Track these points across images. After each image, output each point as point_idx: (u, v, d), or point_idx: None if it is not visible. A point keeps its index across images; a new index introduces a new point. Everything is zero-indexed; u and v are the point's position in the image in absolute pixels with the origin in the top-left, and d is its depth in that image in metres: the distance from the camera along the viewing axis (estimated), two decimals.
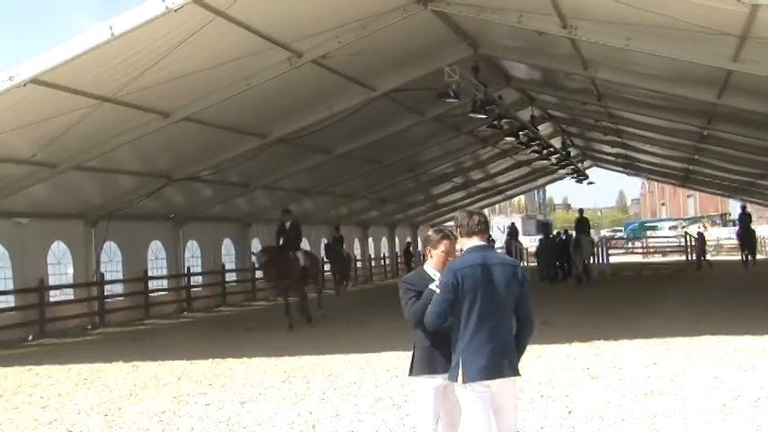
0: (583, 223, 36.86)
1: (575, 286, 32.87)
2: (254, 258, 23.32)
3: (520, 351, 6.47)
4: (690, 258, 43.63)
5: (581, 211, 39.40)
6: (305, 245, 34.14)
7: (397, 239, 47.70)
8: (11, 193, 19.53)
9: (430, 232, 6.94)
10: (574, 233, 36.66)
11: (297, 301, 22.32)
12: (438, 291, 6.32)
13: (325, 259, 34.72)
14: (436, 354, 6.53)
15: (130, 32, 13.54)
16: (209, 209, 28.69)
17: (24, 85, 14.30)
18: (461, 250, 6.57)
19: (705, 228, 60.06)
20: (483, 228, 6.50)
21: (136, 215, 24.80)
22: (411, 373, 6.72)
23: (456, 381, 6.25)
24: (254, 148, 23.52)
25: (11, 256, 21.00)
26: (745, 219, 41.69)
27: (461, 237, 6.53)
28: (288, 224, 22.23)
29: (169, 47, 14.53)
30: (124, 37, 13.61)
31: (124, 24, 13.44)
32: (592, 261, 37.38)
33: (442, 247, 6.70)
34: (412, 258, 44.06)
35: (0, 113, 15.44)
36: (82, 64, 14.27)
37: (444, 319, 6.27)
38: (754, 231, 42.11)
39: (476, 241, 6.44)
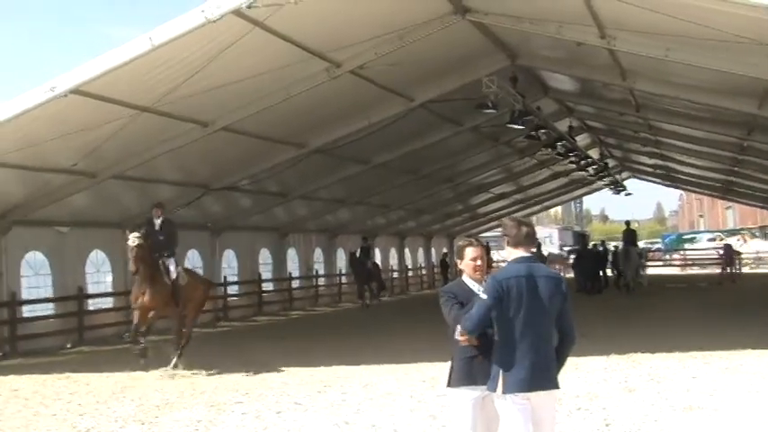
0: (631, 234, 37.04)
1: (625, 295, 32.94)
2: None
3: (560, 364, 6.42)
4: (726, 271, 43.31)
5: (628, 222, 39.36)
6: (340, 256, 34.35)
7: (433, 250, 47.63)
8: (51, 202, 19.73)
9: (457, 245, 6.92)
10: (621, 244, 36.99)
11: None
12: (484, 298, 6.29)
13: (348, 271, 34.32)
14: (476, 365, 6.48)
15: (170, 43, 13.66)
16: (247, 218, 28.79)
17: (65, 95, 14.45)
18: (498, 262, 6.55)
19: (744, 240, 59.35)
20: (530, 239, 6.48)
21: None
22: (449, 384, 6.67)
23: (495, 391, 6.21)
24: (292, 158, 23.59)
25: (51, 264, 21.20)
26: None
27: (508, 246, 6.51)
28: (158, 222, 16.63)
29: (208, 57, 14.63)
30: (164, 47, 13.74)
31: (164, 35, 13.55)
32: (640, 272, 37.37)
33: (469, 254, 6.66)
34: (448, 269, 43.94)
35: (42, 124, 15.61)
36: (122, 74, 14.40)
37: (482, 327, 6.24)
38: None
39: (521, 252, 6.41)
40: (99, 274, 23.17)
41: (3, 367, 17.42)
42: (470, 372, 6.48)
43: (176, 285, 16.29)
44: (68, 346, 20.84)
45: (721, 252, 44.92)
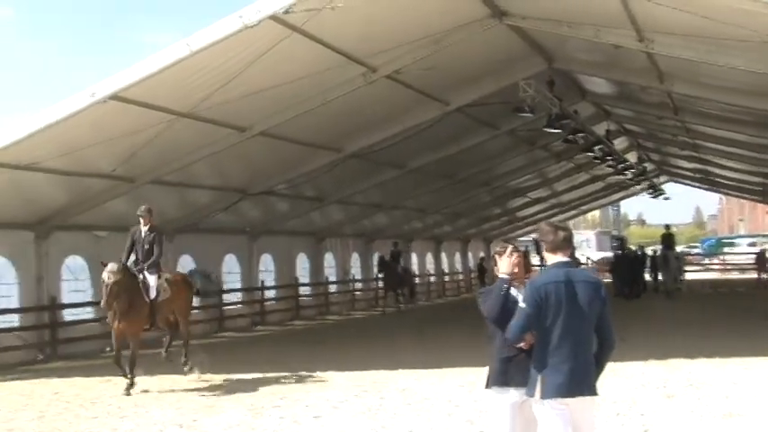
0: (670, 239, 36.91)
1: (663, 300, 32.79)
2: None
3: (599, 369, 6.38)
4: (761, 277, 42.93)
5: (668, 227, 39.15)
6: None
7: (470, 254, 47.53)
8: (91, 207, 19.92)
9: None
10: (660, 249, 36.85)
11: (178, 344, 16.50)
12: (523, 305, 6.26)
13: (379, 276, 33.85)
14: (512, 366, 6.48)
15: (208, 49, 13.75)
16: (284, 223, 28.89)
17: (105, 101, 14.61)
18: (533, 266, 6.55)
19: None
20: (567, 243, 6.46)
21: (211, 229, 25.10)
22: (487, 385, 6.68)
23: (534, 396, 6.19)
24: (329, 163, 23.65)
25: (90, 269, 21.36)
26: None
27: (546, 251, 6.49)
28: (144, 230, 15.15)
29: (246, 63, 14.71)
30: (201, 53, 13.83)
31: (201, 41, 13.65)
32: (679, 277, 37.18)
33: (505, 253, 6.64)
34: (485, 273, 43.81)
35: (82, 129, 15.77)
36: (160, 80, 14.51)
37: (527, 333, 6.21)
38: None
39: (560, 257, 6.39)
40: None
41: (44, 370, 17.62)
42: (506, 372, 6.48)
43: (155, 305, 14.92)
44: (108, 349, 20.96)
45: (755, 258, 44.74)
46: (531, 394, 6.23)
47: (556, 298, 6.16)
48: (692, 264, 54.49)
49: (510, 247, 6.67)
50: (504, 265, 6.56)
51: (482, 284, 44.69)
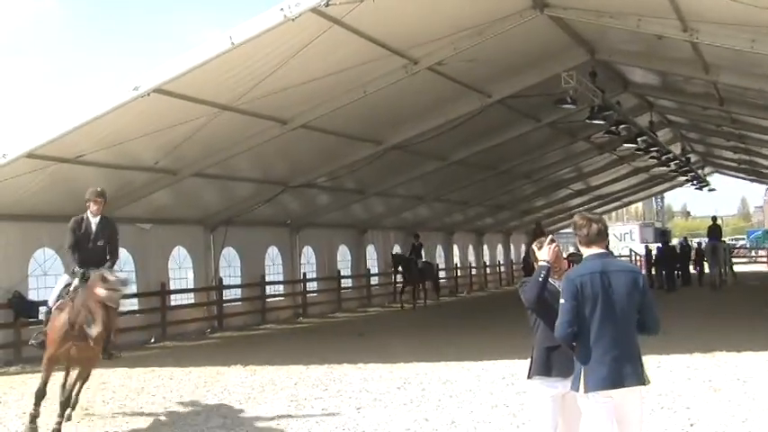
0: (716, 230, 36.59)
1: (709, 292, 32.53)
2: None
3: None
4: None
5: (714, 218, 38.78)
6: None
7: (512, 246, 47.36)
8: (135, 200, 20.09)
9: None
10: (707, 240, 36.62)
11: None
12: (563, 300, 6.22)
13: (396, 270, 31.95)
14: (554, 355, 6.49)
15: (249, 42, 13.81)
16: (325, 215, 28.96)
17: (148, 94, 14.71)
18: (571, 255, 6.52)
19: None
20: (602, 236, 6.39)
21: (253, 221, 25.23)
22: (529, 375, 6.68)
23: (578, 390, 6.14)
24: (370, 155, 23.65)
25: (134, 261, 21.59)
26: None
27: (580, 244, 6.43)
28: (95, 222, 11.48)
29: (287, 55, 14.75)
30: (243, 46, 13.88)
31: (244, 34, 13.70)
32: (726, 268, 36.86)
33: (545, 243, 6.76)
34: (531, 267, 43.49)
35: (126, 122, 15.90)
36: (203, 73, 14.60)
37: (573, 328, 6.15)
38: None
39: (595, 249, 6.34)
40: (181, 270, 23.57)
41: None
42: (547, 362, 6.51)
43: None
44: (152, 340, 21.23)
45: None
46: (575, 388, 6.19)
47: (592, 289, 6.11)
48: (738, 256, 53.91)
49: (549, 237, 6.67)
50: (544, 252, 6.56)
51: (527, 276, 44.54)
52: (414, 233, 33.03)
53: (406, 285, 31.52)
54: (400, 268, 31.38)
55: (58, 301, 11.06)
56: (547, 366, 6.54)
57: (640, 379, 6.19)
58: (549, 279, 6.53)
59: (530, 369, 6.70)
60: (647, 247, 42.69)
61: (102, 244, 11.44)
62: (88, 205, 11.53)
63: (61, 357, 10.84)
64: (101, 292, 9.98)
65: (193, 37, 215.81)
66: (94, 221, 11.50)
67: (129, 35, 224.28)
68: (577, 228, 6.42)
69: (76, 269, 11.00)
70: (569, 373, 6.30)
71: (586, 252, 6.36)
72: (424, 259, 32.46)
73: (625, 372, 6.10)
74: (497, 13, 16.46)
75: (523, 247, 46.78)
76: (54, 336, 10.66)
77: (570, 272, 6.35)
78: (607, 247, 6.50)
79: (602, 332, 6.09)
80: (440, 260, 38.61)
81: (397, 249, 33.98)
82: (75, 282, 10.80)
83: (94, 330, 9.91)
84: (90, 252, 11.31)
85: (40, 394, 10.61)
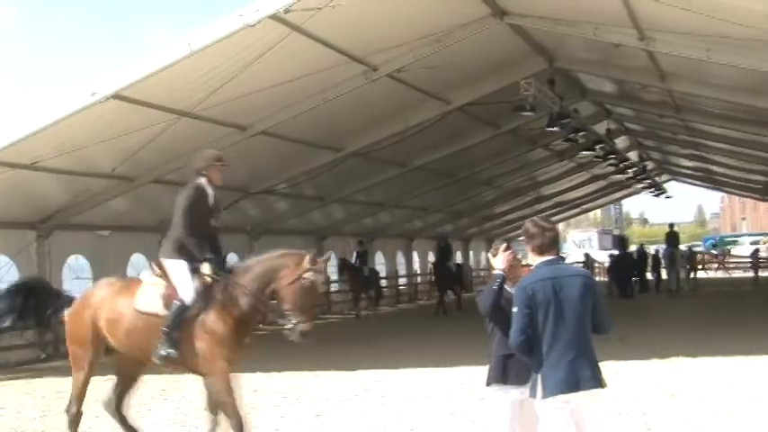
0: (675, 237, 37.01)
1: (666, 298, 32.88)
2: None
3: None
4: (756, 274, 43.00)
5: (672, 225, 39.17)
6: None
7: (471, 253, 47.52)
8: (92, 206, 19.92)
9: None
10: (664, 247, 37.12)
11: None
12: (515, 309, 6.24)
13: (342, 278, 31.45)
14: (511, 363, 6.53)
15: (208, 48, 13.76)
16: (285, 222, 28.89)
17: (106, 100, 14.60)
18: (527, 266, 6.53)
19: None
20: (555, 243, 6.39)
21: None
22: (487, 382, 6.71)
23: (535, 397, 6.15)
24: (330, 162, 23.65)
25: (92, 268, 21.39)
26: None
27: (532, 252, 6.41)
28: (212, 194, 9.39)
29: (246, 62, 14.72)
30: (202, 52, 13.84)
31: (202, 40, 13.66)
32: (683, 275, 37.22)
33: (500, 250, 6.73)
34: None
35: (83, 128, 15.78)
36: (161, 79, 14.53)
37: (527, 334, 6.14)
38: None
39: (546, 256, 6.32)
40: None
41: (46, 369, 17.64)
42: (504, 370, 6.54)
43: None
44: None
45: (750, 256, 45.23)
46: (533, 395, 6.21)
47: (543, 296, 6.08)
48: (702, 262, 54.29)
49: (504, 245, 6.68)
50: (499, 260, 6.57)
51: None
52: (358, 240, 32.68)
53: (352, 293, 31.25)
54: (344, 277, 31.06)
55: (198, 295, 8.84)
56: (504, 374, 6.57)
57: (597, 382, 6.17)
58: (507, 287, 6.55)
59: (488, 376, 6.73)
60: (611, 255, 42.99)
61: (216, 222, 9.63)
62: (207, 172, 9.25)
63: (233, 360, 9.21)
64: (312, 276, 8.56)
65: (155, 39, 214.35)
66: (212, 193, 9.32)
67: (91, 39, 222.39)
68: (529, 236, 6.36)
69: (203, 254, 8.97)
70: (526, 380, 6.33)
71: (538, 260, 6.35)
72: (369, 266, 32.20)
73: (581, 375, 6.08)
74: (457, 21, 16.54)
75: (472, 254, 46.98)
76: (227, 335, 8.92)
77: (522, 280, 6.34)
78: (558, 254, 6.52)
79: (556, 337, 6.09)
80: (400, 267, 38.67)
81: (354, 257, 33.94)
82: (206, 269, 8.93)
83: (306, 326, 8.73)
84: (212, 231, 9.34)
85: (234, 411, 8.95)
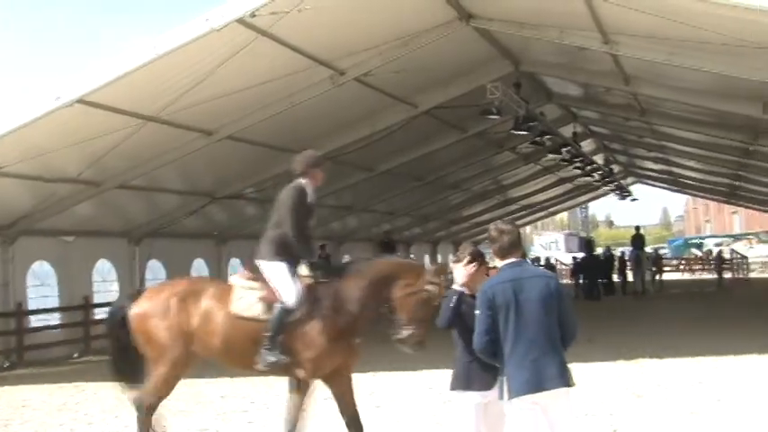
0: (640, 240, 37.35)
1: (632, 300, 33.11)
2: None
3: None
4: (720, 276, 43.51)
5: (638, 227, 39.53)
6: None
7: (439, 256, 47.60)
8: (58, 212, 19.76)
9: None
10: (630, 250, 37.42)
11: None
12: (477, 312, 6.28)
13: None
14: (474, 369, 6.55)
15: (174, 52, 13.69)
16: (253, 226, 28.77)
17: (71, 105, 14.50)
18: (494, 268, 6.57)
19: (752, 245, 59.34)
20: (516, 245, 6.43)
21: (179, 233, 24.98)
22: (451, 387, 6.74)
23: (502, 398, 6.17)
24: None
25: (57, 274, 21.23)
26: None
27: (495, 256, 6.46)
28: (311, 195, 9.73)
29: (213, 66, 14.66)
30: (168, 56, 13.76)
31: (168, 44, 13.59)
32: (649, 277, 37.54)
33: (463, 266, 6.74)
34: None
35: (48, 133, 15.65)
36: (126, 84, 14.42)
37: (491, 336, 6.17)
38: None
39: (509, 259, 6.38)
40: (105, 284, 23.21)
41: (10, 377, 17.46)
42: (468, 376, 6.55)
43: None
44: (75, 355, 20.86)
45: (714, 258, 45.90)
46: (500, 396, 6.23)
47: (504, 298, 6.14)
48: (669, 265, 54.85)
49: (467, 257, 6.65)
50: (459, 274, 6.54)
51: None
52: (320, 244, 32.21)
53: None
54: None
55: (301, 297, 8.74)
56: (467, 380, 6.59)
57: (564, 381, 6.17)
58: (468, 297, 6.56)
59: (452, 381, 6.75)
60: (574, 258, 43.32)
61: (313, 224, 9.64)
62: (309, 173, 9.49)
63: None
64: (433, 289, 8.41)
65: (122, 42, 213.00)
66: (312, 194, 9.50)
67: (55, 41, 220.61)
68: (492, 240, 6.43)
69: (309, 256, 9.23)
70: (490, 385, 6.37)
71: (501, 263, 6.38)
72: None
73: (546, 375, 6.09)
74: (424, 25, 16.57)
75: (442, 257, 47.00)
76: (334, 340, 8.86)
77: (484, 283, 6.39)
78: (523, 256, 6.57)
79: (519, 338, 6.11)
80: None
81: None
82: (303, 271, 8.93)
83: (421, 337, 8.73)
84: (310, 232, 9.45)
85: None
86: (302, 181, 9.28)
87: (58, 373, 17.37)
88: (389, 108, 21.63)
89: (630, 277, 38.32)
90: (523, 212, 50.20)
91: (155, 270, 24.88)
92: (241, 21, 13.33)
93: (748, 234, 73.67)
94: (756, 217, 75.40)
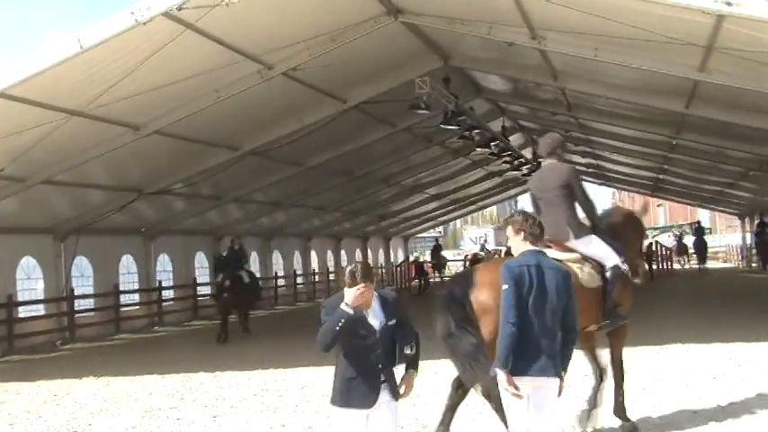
0: None
1: None
2: None
3: (565, 358, 6.71)
4: (659, 267, 44.48)
5: None
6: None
7: (369, 251, 47.70)
8: None
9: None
10: None
11: None
12: (506, 287, 6.60)
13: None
14: (353, 387, 6.34)
15: (99, 45, 13.48)
16: (181, 222, 28.55)
17: None
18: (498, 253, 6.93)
19: (678, 237, 60.48)
20: (538, 232, 6.84)
21: (107, 229, 24.65)
22: (331, 401, 6.52)
23: (496, 372, 6.55)
24: (226, 161, 23.44)
25: None
26: (701, 231, 50.10)
27: (524, 240, 6.82)
28: None
29: (139, 60, 14.46)
30: (93, 50, 13.55)
31: (93, 38, 13.37)
32: None
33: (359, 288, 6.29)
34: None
35: None
36: (51, 77, 14.17)
37: (520, 311, 6.49)
38: (706, 242, 48.73)
39: (530, 245, 6.77)
40: (30, 281, 22.79)
41: None
42: (347, 393, 6.36)
43: None
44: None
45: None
46: (493, 372, 6.59)
47: (528, 279, 6.54)
48: None
49: (361, 283, 6.26)
50: (349, 296, 6.25)
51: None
52: (231, 239, 26.25)
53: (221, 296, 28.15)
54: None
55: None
56: (347, 398, 6.35)
57: (557, 372, 6.61)
58: (363, 314, 6.35)
59: (332, 396, 6.49)
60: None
61: None
62: (556, 154, 10.05)
63: None
64: None
65: (48, 34, 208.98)
66: None
67: None
68: (520, 225, 6.84)
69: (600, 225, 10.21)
70: (371, 403, 6.26)
71: (522, 247, 6.79)
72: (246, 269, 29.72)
73: (544, 362, 6.55)
74: (352, 19, 16.56)
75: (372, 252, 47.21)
76: None
77: (507, 262, 6.81)
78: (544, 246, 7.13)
79: (528, 322, 6.52)
80: (297, 266, 38.61)
81: (254, 255, 33.57)
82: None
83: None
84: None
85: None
86: (552, 161, 9.89)
87: None
88: (318, 103, 21.58)
89: None
90: (453, 207, 50.48)
91: (81, 267, 24.53)
92: (167, 14, 13.16)
93: (672, 226, 75.03)
94: (680, 209, 76.90)
